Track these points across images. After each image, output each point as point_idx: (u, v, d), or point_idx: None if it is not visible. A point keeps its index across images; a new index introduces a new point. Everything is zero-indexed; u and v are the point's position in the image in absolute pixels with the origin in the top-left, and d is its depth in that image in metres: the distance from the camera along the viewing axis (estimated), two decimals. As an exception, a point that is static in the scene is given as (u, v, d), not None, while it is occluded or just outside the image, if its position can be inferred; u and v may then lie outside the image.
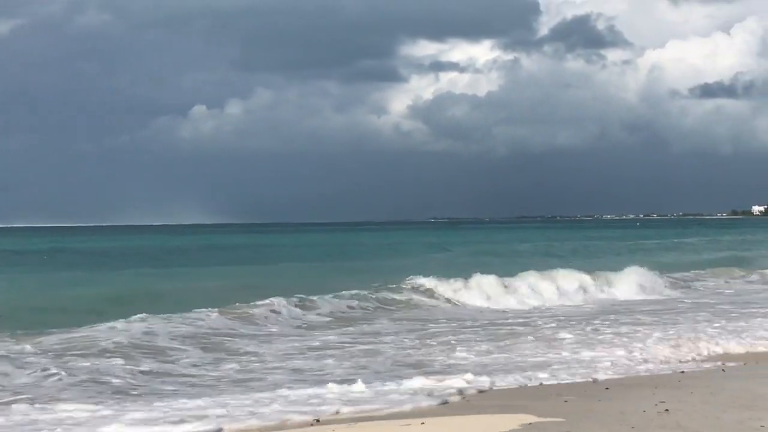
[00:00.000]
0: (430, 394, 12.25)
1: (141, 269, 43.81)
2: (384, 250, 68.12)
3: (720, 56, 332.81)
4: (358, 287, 27.75)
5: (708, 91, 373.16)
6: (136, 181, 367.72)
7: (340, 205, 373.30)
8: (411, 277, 29.77)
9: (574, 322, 22.09)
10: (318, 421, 10.93)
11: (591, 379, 13.79)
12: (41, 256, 61.51)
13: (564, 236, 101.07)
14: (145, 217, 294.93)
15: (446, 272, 31.15)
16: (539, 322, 22.52)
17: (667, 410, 10.80)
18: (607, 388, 12.81)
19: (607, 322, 21.91)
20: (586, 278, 31.76)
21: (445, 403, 11.87)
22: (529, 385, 13.38)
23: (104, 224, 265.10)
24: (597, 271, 33.71)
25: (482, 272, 30.08)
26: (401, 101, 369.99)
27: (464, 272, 30.55)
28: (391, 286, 28.86)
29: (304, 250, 70.80)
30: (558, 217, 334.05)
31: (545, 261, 46.19)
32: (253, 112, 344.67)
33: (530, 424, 10.25)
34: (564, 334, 19.25)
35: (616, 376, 14.09)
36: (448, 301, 28.18)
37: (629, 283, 32.00)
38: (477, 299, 28.10)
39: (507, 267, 35.04)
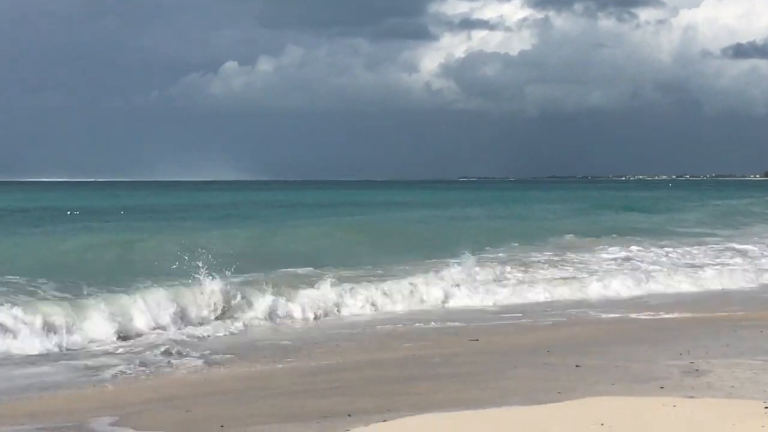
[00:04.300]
0: None
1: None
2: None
3: (755, 16, 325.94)
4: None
5: (741, 51, 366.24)
6: (165, 136, 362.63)
7: (369, 163, 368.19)
8: None
9: None
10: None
11: None
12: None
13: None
14: (172, 173, 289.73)
15: None
16: None
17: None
18: None
19: None
20: None
21: None
22: None
23: (132, 180, 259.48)
24: None
25: None
26: (432, 59, 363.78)
27: None
28: None
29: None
30: (590, 177, 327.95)
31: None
32: (284, 69, 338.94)
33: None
34: None
35: None
36: None
37: None
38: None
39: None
